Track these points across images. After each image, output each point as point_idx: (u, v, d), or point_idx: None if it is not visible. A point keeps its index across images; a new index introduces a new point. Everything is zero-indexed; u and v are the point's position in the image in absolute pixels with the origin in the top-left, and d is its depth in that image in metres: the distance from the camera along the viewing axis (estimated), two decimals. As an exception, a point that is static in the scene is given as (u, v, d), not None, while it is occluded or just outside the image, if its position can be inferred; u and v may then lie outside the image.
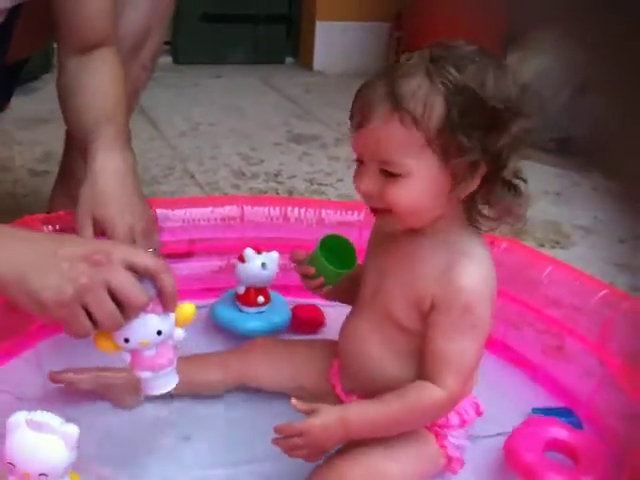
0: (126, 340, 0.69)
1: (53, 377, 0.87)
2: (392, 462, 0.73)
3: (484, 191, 0.71)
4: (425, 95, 0.66)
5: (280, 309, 1.06)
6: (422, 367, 0.73)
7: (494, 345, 1.00)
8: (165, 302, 0.70)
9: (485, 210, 0.73)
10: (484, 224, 0.74)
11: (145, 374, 0.72)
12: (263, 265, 1.01)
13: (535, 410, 0.90)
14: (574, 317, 0.96)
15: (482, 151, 0.67)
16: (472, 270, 0.72)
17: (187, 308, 0.72)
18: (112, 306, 0.66)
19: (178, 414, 0.88)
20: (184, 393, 0.87)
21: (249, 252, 1.01)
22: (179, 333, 0.72)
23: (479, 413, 0.81)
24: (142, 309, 0.68)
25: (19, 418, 0.63)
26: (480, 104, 0.66)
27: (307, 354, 0.90)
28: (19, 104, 2.04)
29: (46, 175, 1.61)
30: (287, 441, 0.70)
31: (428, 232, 0.74)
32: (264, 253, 1.02)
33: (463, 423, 0.79)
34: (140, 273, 0.68)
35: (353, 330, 0.80)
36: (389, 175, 0.69)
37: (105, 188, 0.88)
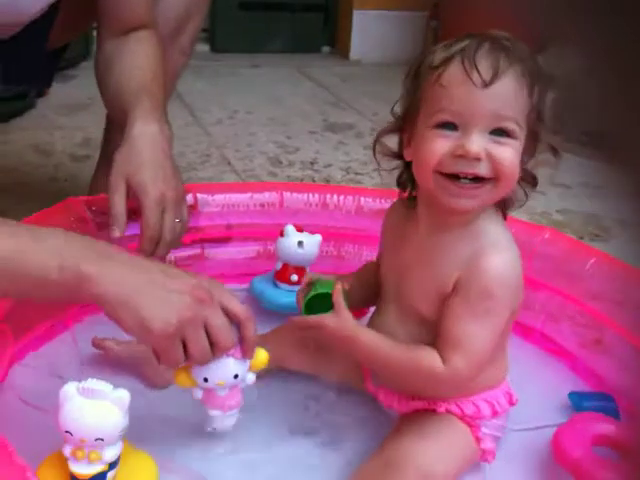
0: (205, 379, 0.74)
1: (96, 343, 0.89)
2: (433, 454, 0.73)
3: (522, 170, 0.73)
4: (534, 75, 0.70)
5: None
6: (435, 342, 0.73)
7: (533, 335, 0.99)
8: (245, 349, 0.73)
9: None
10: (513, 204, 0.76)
11: (215, 412, 0.76)
12: (300, 244, 1.01)
13: (572, 395, 0.89)
14: (615, 311, 0.95)
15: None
16: (498, 256, 0.72)
17: (262, 356, 0.76)
18: (206, 343, 0.70)
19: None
20: None
21: (289, 228, 1.02)
22: (250, 378, 0.76)
23: (512, 403, 0.80)
24: (228, 351, 0.72)
25: (71, 388, 0.65)
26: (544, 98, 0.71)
27: None
28: (58, 91, 2.08)
29: (87, 160, 1.63)
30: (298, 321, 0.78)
31: (453, 223, 0.74)
32: (305, 233, 1.02)
33: (495, 413, 0.78)
34: (229, 317, 0.71)
35: (379, 327, 0.80)
36: (497, 140, 0.69)
37: (140, 154, 0.89)
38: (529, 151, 0.72)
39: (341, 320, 0.74)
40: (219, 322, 0.70)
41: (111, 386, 0.66)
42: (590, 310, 0.97)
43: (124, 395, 0.66)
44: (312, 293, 0.78)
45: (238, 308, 0.72)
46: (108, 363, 0.89)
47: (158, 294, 0.68)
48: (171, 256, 1.07)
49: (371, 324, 0.82)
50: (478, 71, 0.68)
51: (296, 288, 1.01)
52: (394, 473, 0.70)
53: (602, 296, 0.97)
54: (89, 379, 0.66)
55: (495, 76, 0.68)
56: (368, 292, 0.85)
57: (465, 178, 0.69)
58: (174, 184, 0.90)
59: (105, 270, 0.67)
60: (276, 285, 1.05)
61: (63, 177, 1.58)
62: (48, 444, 0.68)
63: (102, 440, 0.65)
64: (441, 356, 0.72)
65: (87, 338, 0.92)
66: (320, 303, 0.77)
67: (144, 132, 0.91)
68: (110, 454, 0.66)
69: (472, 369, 0.73)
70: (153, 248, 0.87)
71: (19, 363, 0.88)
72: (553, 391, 0.92)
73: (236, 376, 0.74)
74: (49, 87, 1.72)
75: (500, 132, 0.69)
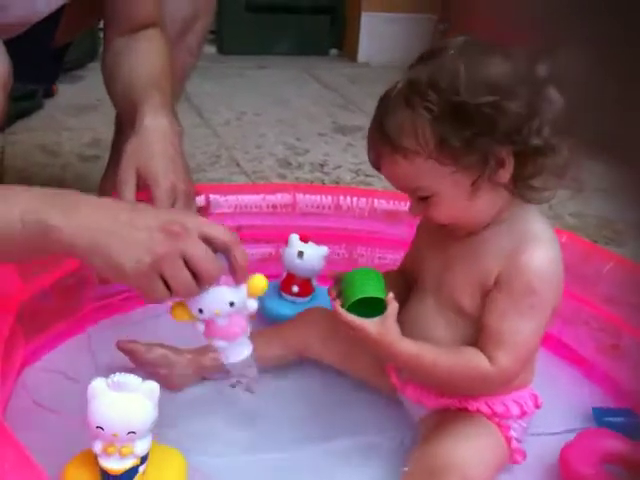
0: (200, 310, 0.72)
1: (121, 346, 0.88)
2: (475, 458, 0.73)
3: (524, 167, 0.71)
4: (412, 125, 0.69)
5: (321, 303, 1.00)
6: (478, 340, 0.73)
7: (549, 341, 0.98)
8: (237, 274, 0.71)
9: (538, 182, 0.72)
10: (542, 196, 0.73)
11: (220, 343, 0.75)
12: (300, 254, 0.99)
13: (596, 410, 0.87)
14: (631, 315, 0.94)
15: (490, 141, 0.68)
16: (540, 252, 0.72)
17: (258, 280, 0.74)
18: (188, 275, 0.68)
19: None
20: None
21: (293, 237, 1.00)
22: (252, 304, 0.74)
23: (537, 406, 0.80)
24: (216, 279, 0.70)
25: (100, 383, 0.65)
26: (463, 108, 0.67)
27: None
28: (66, 91, 2.07)
29: (95, 160, 1.62)
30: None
31: (492, 223, 0.75)
32: (311, 244, 1.00)
33: (523, 414, 0.78)
34: (213, 245, 0.69)
35: (415, 317, 0.79)
36: (423, 199, 0.72)
37: (151, 145, 0.88)
38: (477, 166, 0.69)
39: (385, 329, 0.73)
40: (198, 252, 0.67)
41: (140, 379, 0.66)
42: (607, 315, 0.96)
43: (154, 387, 0.66)
44: (361, 295, 0.74)
45: (220, 234, 0.70)
46: (122, 365, 0.88)
47: (127, 235, 0.66)
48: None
49: (406, 315, 0.80)
50: (370, 159, 0.75)
51: (298, 300, 1.01)
52: None
53: (619, 300, 0.96)
54: (117, 373, 0.65)
55: (376, 164, 0.74)
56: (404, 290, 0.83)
57: None
58: (184, 177, 0.88)
59: (71, 218, 0.66)
60: (280, 294, 1.03)
61: (71, 178, 1.57)
62: (63, 446, 0.68)
63: (134, 433, 0.65)
64: (486, 354, 0.72)
65: (101, 340, 0.92)
66: (367, 305, 0.74)
67: (154, 125, 0.90)
68: (141, 448, 0.66)
69: (518, 366, 0.73)
70: None
71: (32, 366, 0.87)
72: (569, 397, 0.91)
73: (232, 303, 0.72)
74: (54, 84, 1.71)
75: (420, 197, 0.72)
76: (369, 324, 0.73)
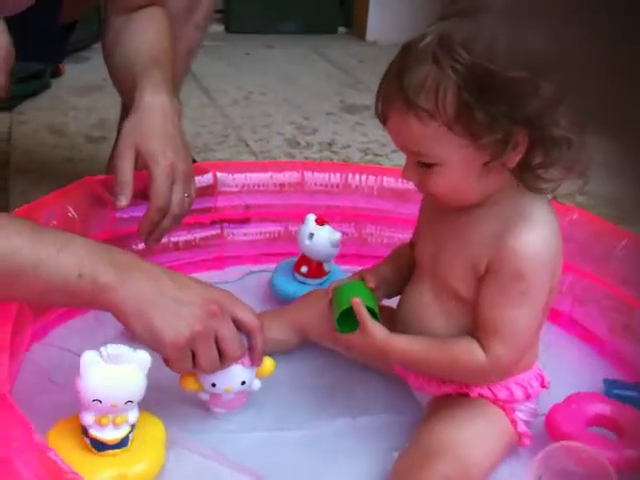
0: (213, 385, 0.76)
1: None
2: (471, 441, 0.71)
3: (535, 155, 0.67)
4: (435, 85, 0.63)
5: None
6: (474, 329, 0.71)
7: (561, 319, 0.97)
8: (254, 358, 0.76)
9: (546, 173, 0.68)
10: (546, 187, 0.70)
11: (219, 410, 0.79)
12: (310, 236, 0.98)
13: (607, 382, 0.87)
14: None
15: (512, 121, 0.64)
16: (530, 234, 0.68)
17: (268, 364, 0.79)
18: (216, 354, 0.72)
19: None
20: None
21: (309, 217, 0.99)
22: (257, 384, 0.79)
23: (544, 385, 0.79)
24: (235, 361, 0.74)
25: (92, 356, 0.65)
26: (495, 79, 0.62)
27: None
28: (72, 72, 2.06)
29: (102, 141, 1.62)
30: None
31: (484, 203, 0.71)
32: (326, 227, 0.98)
33: (528, 397, 0.77)
34: (239, 327, 0.73)
35: (414, 301, 0.78)
36: (425, 165, 0.68)
37: (151, 123, 0.87)
38: (492, 146, 0.65)
39: (369, 336, 0.72)
40: (229, 334, 0.71)
41: (131, 349, 0.67)
42: (619, 293, 0.95)
43: (145, 356, 0.67)
44: (338, 311, 0.75)
45: (248, 319, 0.74)
46: (131, 341, 0.88)
47: (171, 307, 0.69)
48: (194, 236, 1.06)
49: (405, 300, 0.80)
50: (376, 109, 0.69)
51: (308, 281, 1.00)
52: (433, 462, 0.68)
53: (631, 279, 0.95)
54: (108, 345, 0.67)
55: (383, 117, 0.68)
56: (404, 277, 0.82)
57: None
58: (184, 156, 0.88)
59: (122, 281, 0.68)
60: (293, 274, 1.02)
61: (79, 158, 1.57)
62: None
63: (132, 402, 0.66)
64: (480, 344, 0.70)
65: (108, 317, 0.91)
66: (351, 316, 0.74)
67: (154, 103, 0.89)
68: (134, 415, 0.68)
69: (514, 354, 0.71)
70: (160, 219, 0.85)
71: (41, 342, 0.87)
72: (581, 376, 0.90)
73: (243, 382, 0.76)
74: (61, 62, 1.70)
75: (422, 163, 0.68)
76: (351, 340, 0.74)
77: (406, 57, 0.66)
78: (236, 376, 0.76)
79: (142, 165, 0.85)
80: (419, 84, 0.64)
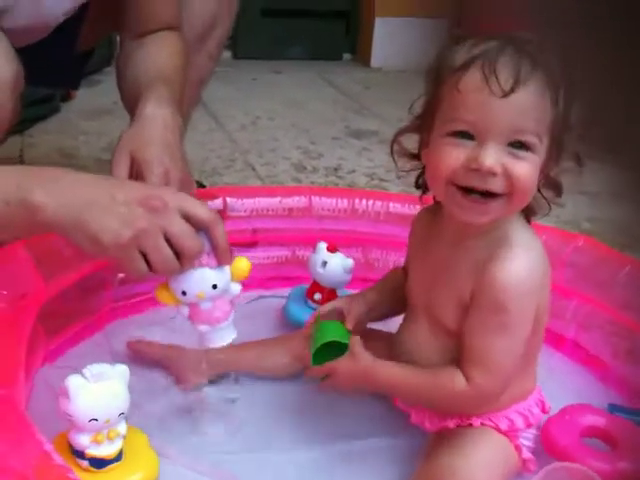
0: (183, 293, 0.71)
1: (131, 346, 0.90)
2: (475, 470, 0.71)
3: (546, 179, 0.70)
4: (559, 80, 0.66)
5: None
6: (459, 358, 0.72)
7: (564, 344, 0.98)
8: (219, 255, 0.70)
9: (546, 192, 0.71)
10: (542, 208, 0.72)
11: (203, 327, 0.74)
12: (324, 264, 0.98)
13: (611, 406, 0.87)
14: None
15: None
16: (513, 263, 0.68)
17: (242, 263, 0.73)
18: (168, 251, 0.67)
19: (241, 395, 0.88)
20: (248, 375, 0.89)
21: (320, 245, 1.00)
22: (235, 288, 0.74)
23: (545, 411, 0.80)
24: (197, 258, 0.69)
25: (78, 379, 0.66)
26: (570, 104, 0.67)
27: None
28: (83, 96, 2.09)
29: (112, 164, 1.63)
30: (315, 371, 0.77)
31: (479, 231, 0.71)
32: (338, 254, 0.99)
33: (529, 425, 0.77)
34: (194, 224, 0.69)
35: (410, 337, 0.79)
36: (515, 153, 0.65)
37: (149, 133, 0.86)
38: (552, 160, 0.68)
39: (356, 359, 0.74)
40: (179, 229, 0.67)
41: (109, 365, 0.68)
42: (622, 319, 0.96)
43: (124, 368, 0.68)
44: (315, 346, 0.77)
45: (202, 213, 0.69)
46: (140, 362, 0.90)
47: (107, 208, 0.66)
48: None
49: (401, 332, 0.81)
50: (497, 79, 0.63)
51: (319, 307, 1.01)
52: None
53: (634, 305, 0.96)
54: (87, 366, 0.67)
55: (516, 85, 0.63)
56: (395, 299, 0.83)
57: (477, 192, 0.66)
58: (181, 166, 0.86)
59: (50, 194, 0.66)
60: (306, 300, 1.03)
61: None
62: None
63: (123, 414, 0.68)
64: (463, 373, 0.70)
65: (118, 338, 0.93)
66: (327, 351, 0.76)
67: (155, 114, 0.89)
68: (123, 427, 0.69)
69: (496, 384, 0.71)
70: None
71: (52, 364, 0.88)
72: (584, 401, 0.91)
73: (215, 286, 0.71)
74: (77, 89, 1.72)
75: (519, 145, 0.65)
76: (338, 363, 0.75)
77: (531, 45, 0.67)
78: (204, 279, 0.70)
79: (137, 172, 0.84)
80: (551, 72, 0.65)
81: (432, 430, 0.78)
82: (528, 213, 0.73)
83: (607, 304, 0.97)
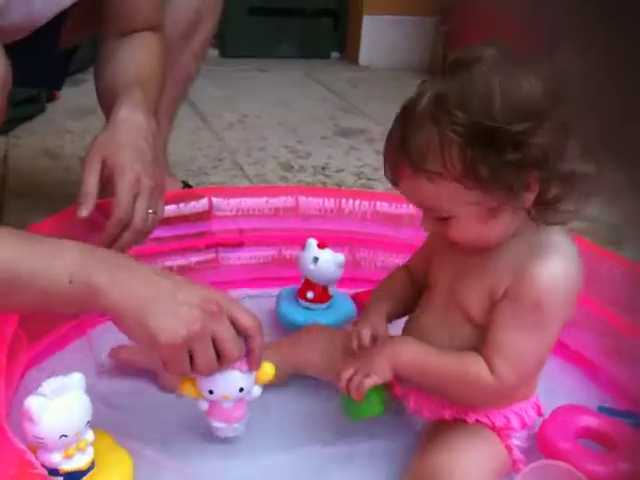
0: (210, 392, 0.74)
1: (113, 354, 0.89)
2: (468, 469, 0.71)
3: (549, 191, 0.68)
4: (439, 147, 0.65)
5: (336, 311, 1.01)
6: (481, 348, 0.71)
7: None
8: (252, 362, 0.73)
9: (562, 205, 0.69)
10: (562, 218, 0.71)
11: (219, 424, 0.77)
12: (315, 260, 0.98)
13: (601, 408, 0.87)
14: (631, 317, 0.93)
15: (519, 168, 0.65)
16: (552, 266, 0.69)
17: (268, 369, 0.76)
18: (213, 355, 0.70)
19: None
20: None
21: (310, 242, 0.99)
22: (256, 391, 0.76)
23: (540, 414, 0.80)
24: (233, 364, 0.72)
25: (39, 399, 0.64)
26: (495, 134, 0.63)
27: None
28: (67, 95, 2.07)
29: (97, 164, 1.62)
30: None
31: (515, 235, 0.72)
32: (327, 250, 0.98)
33: (524, 426, 0.77)
34: (237, 329, 0.71)
35: (421, 327, 0.78)
36: (441, 218, 0.70)
37: (122, 138, 0.86)
38: (503, 193, 0.66)
39: (384, 340, 0.74)
40: (226, 335, 0.70)
41: (63, 377, 0.67)
42: (610, 317, 0.96)
43: (79, 376, 0.67)
44: (356, 416, 0.77)
45: (246, 320, 0.71)
46: (125, 368, 0.89)
47: (167, 306, 0.67)
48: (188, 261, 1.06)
49: (411, 324, 0.81)
50: (384, 171, 0.71)
51: (312, 306, 1.00)
52: None
53: (622, 303, 0.96)
54: (42, 383, 0.66)
55: (394, 180, 0.70)
56: (405, 303, 0.82)
57: None
58: (152, 171, 0.86)
59: (115, 281, 0.67)
60: (297, 300, 1.02)
61: (74, 180, 1.56)
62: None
63: (89, 422, 0.67)
64: (487, 363, 0.70)
65: (103, 343, 0.92)
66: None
67: (128, 118, 0.88)
68: (90, 435, 0.68)
69: (517, 379, 0.71)
70: (119, 232, 0.83)
71: (36, 368, 0.87)
72: (573, 401, 0.90)
73: (241, 389, 0.74)
74: (60, 89, 1.71)
75: (438, 217, 0.70)
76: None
77: (407, 120, 0.68)
78: (234, 382, 0.73)
79: (108, 177, 0.84)
80: (424, 149, 0.66)
81: (429, 418, 0.78)
82: (551, 223, 0.72)
83: (595, 302, 0.96)
